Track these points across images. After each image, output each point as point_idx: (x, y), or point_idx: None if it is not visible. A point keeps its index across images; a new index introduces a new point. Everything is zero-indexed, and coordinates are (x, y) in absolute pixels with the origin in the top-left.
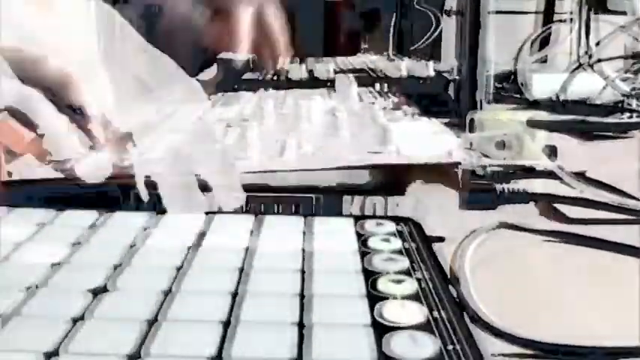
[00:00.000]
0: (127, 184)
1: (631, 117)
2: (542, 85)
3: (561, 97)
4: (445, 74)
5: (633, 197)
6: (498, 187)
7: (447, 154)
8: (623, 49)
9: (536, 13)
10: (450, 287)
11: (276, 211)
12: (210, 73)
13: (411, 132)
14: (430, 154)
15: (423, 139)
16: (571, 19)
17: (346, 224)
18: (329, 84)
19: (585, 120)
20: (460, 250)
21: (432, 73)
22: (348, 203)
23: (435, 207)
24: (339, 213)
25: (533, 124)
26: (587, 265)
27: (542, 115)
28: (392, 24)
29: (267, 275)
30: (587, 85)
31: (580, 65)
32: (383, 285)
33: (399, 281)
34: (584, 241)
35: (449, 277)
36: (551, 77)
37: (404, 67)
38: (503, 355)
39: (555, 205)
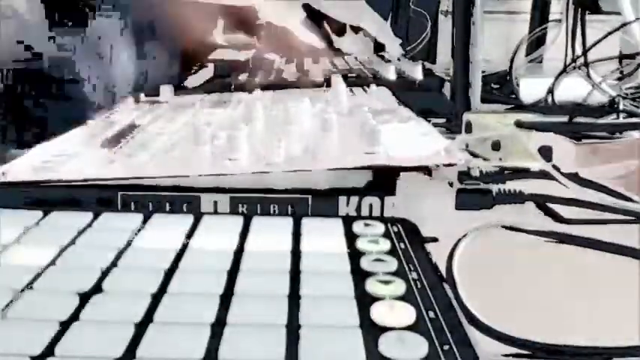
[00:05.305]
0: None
1: (617, 118)
2: (530, 89)
3: (549, 101)
4: (440, 74)
5: (627, 198)
6: (494, 187)
7: (438, 155)
8: (615, 50)
9: (531, 13)
10: (443, 288)
11: (271, 212)
12: (205, 74)
13: (401, 133)
14: (420, 155)
15: (413, 140)
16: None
17: (335, 225)
18: (325, 84)
19: (575, 121)
20: (455, 251)
21: (419, 77)
22: (344, 204)
23: (430, 207)
24: (334, 214)
25: (521, 125)
26: (582, 265)
27: (531, 117)
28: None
29: (255, 277)
30: (574, 88)
31: (567, 68)
32: (371, 286)
33: (387, 282)
34: (579, 242)
35: (444, 277)
36: (539, 81)
37: (392, 69)
38: (498, 355)
39: (550, 205)
